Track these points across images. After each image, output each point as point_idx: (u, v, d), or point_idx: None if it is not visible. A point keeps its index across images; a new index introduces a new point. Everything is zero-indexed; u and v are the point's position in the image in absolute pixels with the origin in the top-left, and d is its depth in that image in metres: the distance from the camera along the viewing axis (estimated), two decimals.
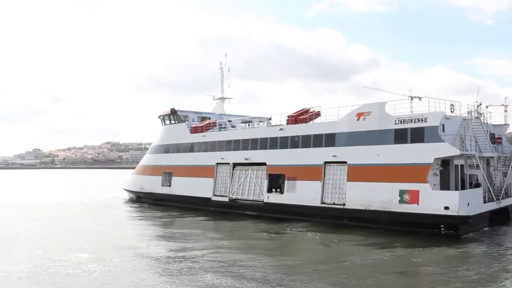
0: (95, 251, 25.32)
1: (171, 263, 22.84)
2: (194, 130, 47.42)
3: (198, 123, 49.08)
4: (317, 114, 38.65)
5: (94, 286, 18.75)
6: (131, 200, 55.85)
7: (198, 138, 46.38)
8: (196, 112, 51.17)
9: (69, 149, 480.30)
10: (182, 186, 46.86)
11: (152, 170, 51.65)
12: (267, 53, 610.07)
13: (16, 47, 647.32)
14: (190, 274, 20.42)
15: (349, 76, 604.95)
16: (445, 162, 31.01)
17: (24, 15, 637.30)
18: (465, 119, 32.70)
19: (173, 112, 49.43)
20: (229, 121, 49.73)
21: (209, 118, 50.97)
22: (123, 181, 63.13)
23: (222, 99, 53.65)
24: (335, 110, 36.30)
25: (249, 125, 53.00)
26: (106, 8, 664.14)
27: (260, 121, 54.91)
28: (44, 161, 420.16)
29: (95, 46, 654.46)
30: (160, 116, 52.45)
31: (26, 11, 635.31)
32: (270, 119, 55.42)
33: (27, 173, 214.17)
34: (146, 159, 54.40)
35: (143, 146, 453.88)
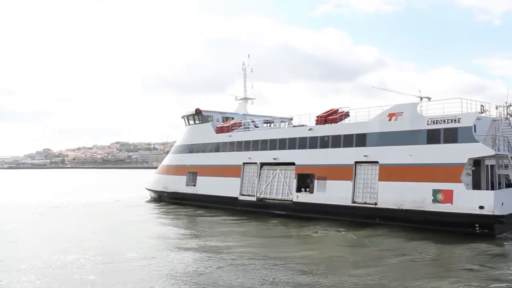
0: (142, 250, 25.87)
1: (220, 260, 23.31)
2: (220, 130, 47.83)
3: (223, 123, 49.43)
4: (346, 115, 38.97)
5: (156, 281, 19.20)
6: (154, 200, 56.35)
7: (224, 138, 46.79)
8: (220, 112, 51.64)
9: (78, 149, 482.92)
10: (208, 186, 47.27)
11: (176, 169, 52.11)
12: (274, 54, 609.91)
13: (24, 48, 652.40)
14: (241, 270, 20.83)
15: (355, 76, 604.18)
16: (476, 162, 31.28)
17: (31, 15, 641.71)
18: (495, 120, 32.93)
19: (198, 112, 49.89)
20: (252, 121, 50.17)
21: (232, 118, 51.44)
22: (135, 180, 63.70)
23: (245, 99, 54.11)
24: (364, 111, 36.77)
25: (270, 125, 53.44)
26: (114, 8, 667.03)
27: (281, 121, 55.40)
28: (54, 161, 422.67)
29: (102, 47, 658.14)
30: (184, 116, 52.95)
31: (34, 11, 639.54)
32: (291, 119, 55.97)
33: (39, 173, 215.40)
34: (170, 159, 54.86)
35: (152, 146, 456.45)
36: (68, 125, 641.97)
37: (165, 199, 53.03)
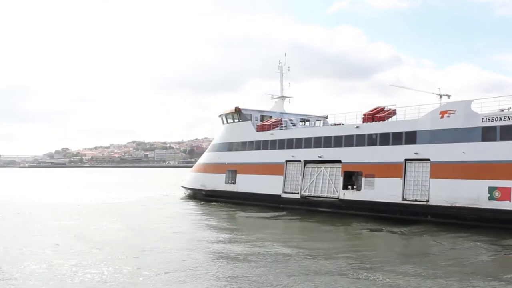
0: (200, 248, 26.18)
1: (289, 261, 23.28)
2: (261, 128, 48.05)
3: (264, 121, 49.62)
4: (393, 113, 39.00)
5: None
6: (190, 197, 56.71)
7: (265, 136, 46.99)
8: (259, 111, 51.88)
9: (95, 148, 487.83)
10: (248, 184, 47.50)
11: (214, 168, 52.44)
12: (288, 52, 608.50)
13: (41, 49, 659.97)
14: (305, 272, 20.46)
15: (371, 74, 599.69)
16: None
17: (48, 17, 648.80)
18: None
19: (237, 110, 50.16)
20: (290, 120, 50.34)
21: (270, 117, 51.64)
22: (161, 179, 64.04)
23: (282, 98, 54.22)
24: (411, 109, 36.87)
25: (304, 123, 53.51)
26: (129, 9, 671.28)
27: (317, 120, 55.56)
28: (73, 160, 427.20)
29: (116, 47, 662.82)
30: (222, 115, 53.27)
31: (50, 13, 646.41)
32: (326, 117, 56.07)
33: (61, 172, 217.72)
34: (207, 157, 55.22)
35: (168, 145, 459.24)
36: (85, 125, 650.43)
37: (203, 197, 53.32)
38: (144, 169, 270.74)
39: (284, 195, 43.79)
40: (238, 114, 50.41)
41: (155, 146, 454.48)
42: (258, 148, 47.59)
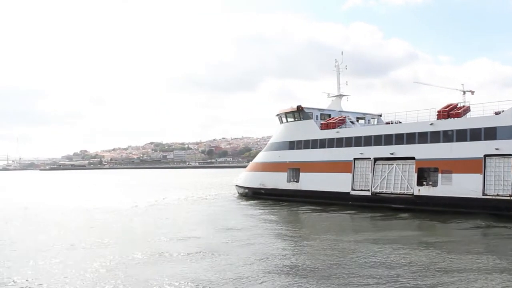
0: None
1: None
2: (325, 126, 48.65)
3: (328, 119, 50.23)
4: (468, 109, 39.49)
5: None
6: (245, 196, 57.43)
7: (330, 134, 47.59)
8: (319, 109, 52.49)
9: (114, 149, 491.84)
10: (313, 182, 48.11)
11: (274, 166, 53.12)
12: (303, 50, 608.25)
13: (56, 52, 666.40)
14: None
15: (387, 71, 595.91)
16: None
17: (60, 19, 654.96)
18: None
19: (300, 109, 50.79)
20: (348, 118, 50.90)
21: (329, 115, 52.29)
22: (195, 179, 64.39)
23: (340, 96, 54.81)
24: (488, 105, 37.36)
25: (358, 121, 53.98)
26: (143, 10, 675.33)
27: (372, 118, 56.16)
28: (93, 161, 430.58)
29: (132, 48, 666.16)
30: (280, 114, 53.96)
31: (62, 15, 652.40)
32: (380, 115, 56.67)
33: (84, 174, 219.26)
34: (265, 156, 55.86)
35: (186, 145, 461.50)
36: (101, 127, 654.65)
37: (262, 195, 53.96)
38: (167, 170, 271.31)
39: (353, 192, 44.36)
40: (300, 112, 51.02)
41: (173, 147, 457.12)
42: (322, 146, 48.17)
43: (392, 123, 48.23)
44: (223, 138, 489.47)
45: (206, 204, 50.77)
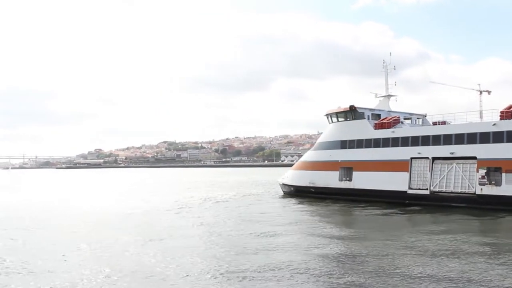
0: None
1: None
2: (380, 126, 49.30)
3: (382, 119, 50.87)
4: None
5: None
6: (292, 194, 58.21)
7: (385, 133, 48.22)
8: (370, 109, 53.14)
9: (128, 148, 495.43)
10: (367, 180, 48.73)
11: (325, 165, 53.78)
12: (312, 50, 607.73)
13: (66, 53, 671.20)
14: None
15: (397, 70, 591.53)
16: None
17: (70, 20, 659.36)
18: None
19: (353, 109, 51.47)
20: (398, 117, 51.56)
21: (379, 115, 52.97)
22: (224, 178, 64.79)
23: (388, 96, 55.44)
24: None
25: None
26: (152, 11, 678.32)
27: (417, 118, 56.81)
28: (108, 160, 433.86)
29: (142, 48, 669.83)
30: (330, 113, 54.71)
31: (71, 16, 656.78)
32: (425, 116, 57.29)
33: (101, 173, 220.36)
34: (314, 155, 56.51)
35: (199, 145, 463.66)
36: (113, 126, 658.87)
37: (312, 194, 54.63)
38: (183, 169, 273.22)
39: (410, 191, 44.97)
40: (353, 112, 51.69)
41: (186, 146, 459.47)
42: (377, 146, 48.80)
43: (438, 124, 49.02)
44: (236, 137, 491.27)
45: (265, 203, 51.35)
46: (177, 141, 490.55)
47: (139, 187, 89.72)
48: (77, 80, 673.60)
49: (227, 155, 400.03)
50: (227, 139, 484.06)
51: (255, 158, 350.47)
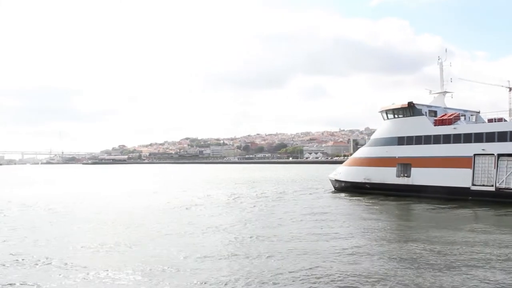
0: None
1: None
2: (440, 122, 49.45)
3: (442, 115, 50.98)
4: None
5: None
6: (344, 190, 58.63)
7: (445, 130, 48.30)
8: (427, 106, 53.24)
9: (151, 145, 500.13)
10: (427, 177, 48.85)
11: (381, 161, 54.03)
12: (331, 47, 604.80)
13: (89, 51, 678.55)
14: None
15: (418, 67, 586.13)
16: None
17: (94, 18, 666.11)
18: None
19: (411, 105, 51.63)
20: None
21: (435, 112, 53.05)
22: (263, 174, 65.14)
23: (444, 93, 55.42)
24: None
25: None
26: (174, 9, 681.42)
27: (471, 115, 56.70)
28: (132, 156, 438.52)
29: (162, 45, 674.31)
30: (385, 110, 54.89)
31: (95, 14, 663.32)
32: (478, 112, 57.15)
33: (128, 168, 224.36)
34: (369, 151, 56.74)
35: (221, 141, 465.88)
36: (136, 123, 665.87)
37: (367, 189, 54.95)
38: (208, 165, 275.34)
39: (474, 188, 45.03)
40: (411, 109, 51.84)
41: (208, 142, 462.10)
42: (437, 142, 48.91)
43: (494, 121, 48.85)
44: (257, 134, 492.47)
45: (327, 198, 52.08)
46: (199, 138, 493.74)
47: (184, 182, 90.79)
48: (101, 78, 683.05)
49: (249, 152, 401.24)
50: (248, 135, 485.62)
51: (278, 155, 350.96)
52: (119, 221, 34.46)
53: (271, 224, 32.49)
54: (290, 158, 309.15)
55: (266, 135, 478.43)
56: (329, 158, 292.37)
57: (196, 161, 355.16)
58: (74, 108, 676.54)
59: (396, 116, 53.93)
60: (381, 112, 56.05)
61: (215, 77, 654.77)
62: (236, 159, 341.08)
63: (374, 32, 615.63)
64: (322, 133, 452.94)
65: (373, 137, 58.72)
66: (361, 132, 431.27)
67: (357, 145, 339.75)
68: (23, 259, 21.68)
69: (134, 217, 36.89)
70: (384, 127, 55.70)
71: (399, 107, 53.20)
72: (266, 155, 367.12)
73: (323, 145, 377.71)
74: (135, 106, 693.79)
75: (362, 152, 58.99)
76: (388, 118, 55.21)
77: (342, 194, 55.59)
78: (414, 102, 51.81)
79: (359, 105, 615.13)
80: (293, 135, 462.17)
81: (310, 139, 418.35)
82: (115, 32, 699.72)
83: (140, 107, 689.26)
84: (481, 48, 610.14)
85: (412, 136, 51.45)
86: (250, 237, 27.19)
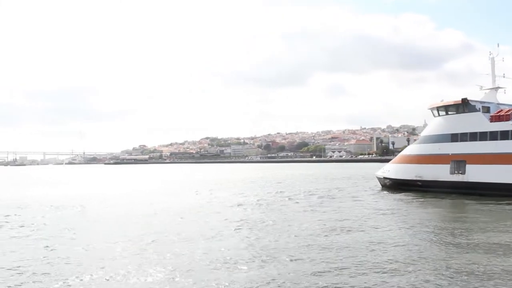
0: None
1: None
2: (497, 118, 48.72)
3: (498, 111, 50.26)
4: None
5: None
6: (391, 188, 58.27)
7: (503, 126, 47.54)
8: (481, 102, 52.55)
9: (171, 144, 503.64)
10: (483, 174, 48.18)
11: (433, 158, 53.47)
12: (351, 44, 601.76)
13: (106, 50, 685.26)
14: None
15: (440, 63, 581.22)
16: None
17: (110, 17, 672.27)
18: None
19: (465, 102, 51.01)
20: None
21: (489, 108, 52.33)
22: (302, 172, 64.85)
23: (496, 88, 54.63)
24: None
25: None
26: (191, 5, 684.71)
27: None
28: (153, 156, 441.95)
29: (181, 44, 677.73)
30: (436, 107, 54.31)
31: (110, 14, 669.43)
32: None
33: (151, 168, 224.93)
34: (420, 149, 56.21)
35: (242, 140, 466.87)
36: (156, 122, 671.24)
37: (418, 187, 54.47)
38: (230, 165, 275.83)
39: None
40: (465, 105, 51.24)
41: (229, 141, 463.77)
42: (494, 139, 48.15)
43: None
44: (277, 133, 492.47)
45: (379, 198, 51.69)
46: (219, 137, 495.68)
47: (220, 180, 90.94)
48: (117, 78, 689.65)
49: (271, 151, 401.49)
50: (268, 134, 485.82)
51: (301, 154, 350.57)
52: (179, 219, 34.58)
53: (355, 227, 30.30)
54: (314, 157, 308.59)
55: (286, 134, 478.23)
56: (353, 156, 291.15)
57: (218, 160, 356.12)
58: (91, 108, 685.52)
59: (448, 112, 53.35)
60: (431, 109, 55.51)
61: (234, 75, 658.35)
62: (258, 158, 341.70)
63: (393, 28, 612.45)
64: (343, 132, 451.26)
65: (423, 134, 58.27)
66: (383, 130, 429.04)
67: (381, 143, 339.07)
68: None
69: (185, 215, 36.71)
70: (436, 124, 55.11)
71: (452, 103, 52.63)
72: (289, 154, 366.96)
73: (346, 143, 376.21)
74: (153, 106, 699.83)
75: (412, 149, 58.58)
76: (439, 115, 54.62)
77: (394, 192, 55.20)
78: (468, 98, 51.21)
79: (379, 103, 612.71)
80: (313, 134, 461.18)
81: (332, 138, 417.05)
82: (131, 31, 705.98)
83: (158, 106, 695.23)
84: (506, 42, 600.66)
85: (467, 133, 50.77)
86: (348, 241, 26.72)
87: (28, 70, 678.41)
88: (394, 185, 58.79)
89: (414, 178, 55.57)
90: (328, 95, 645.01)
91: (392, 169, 60.08)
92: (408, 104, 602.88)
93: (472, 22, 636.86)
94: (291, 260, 20.15)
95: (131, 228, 30.09)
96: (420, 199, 47.60)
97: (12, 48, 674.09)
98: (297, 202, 45.93)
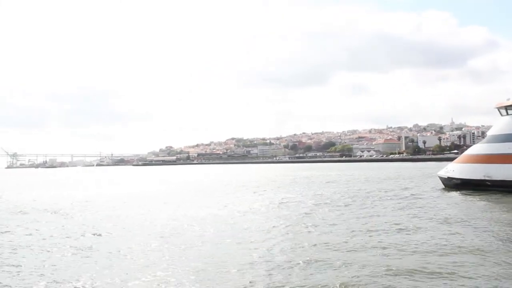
0: None
1: None
2: None
3: None
4: None
5: None
6: (456, 187, 58.05)
7: None
8: None
9: (197, 145, 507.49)
10: None
11: (503, 158, 53.45)
12: (372, 42, 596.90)
13: (127, 52, 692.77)
14: None
15: (464, 61, 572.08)
16: None
17: (132, 19, 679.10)
18: None
19: None
20: None
21: None
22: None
23: None
24: None
25: None
26: (211, 7, 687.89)
27: None
28: (180, 157, 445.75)
29: (203, 45, 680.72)
30: (504, 106, 54.23)
31: (133, 16, 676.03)
32: None
33: (182, 169, 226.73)
34: (487, 148, 56.15)
35: (268, 141, 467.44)
36: (180, 124, 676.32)
37: (485, 187, 54.28)
38: (258, 165, 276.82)
39: None
40: None
41: (255, 142, 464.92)
42: None
43: None
44: (303, 133, 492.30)
45: (446, 198, 51.71)
46: (244, 138, 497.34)
47: (261, 181, 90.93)
48: (138, 80, 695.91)
49: (298, 151, 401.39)
50: (294, 134, 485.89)
51: (329, 154, 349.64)
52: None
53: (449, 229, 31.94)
54: (344, 157, 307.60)
55: (312, 134, 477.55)
56: (383, 156, 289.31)
57: (246, 161, 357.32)
58: (115, 110, 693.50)
59: None
60: (499, 108, 55.35)
61: (256, 75, 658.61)
62: (287, 158, 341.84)
63: (415, 26, 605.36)
64: (370, 131, 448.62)
65: (490, 133, 58.08)
66: (410, 129, 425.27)
67: (412, 142, 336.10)
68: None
69: (234, 215, 37.01)
70: (504, 123, 54.90)
71: None
72: (317, 154, 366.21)
73: (373, 143, 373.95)
74: (178, 106, 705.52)
75: (479, 149, 58.39)
76: (508, 114, 54.42)
77: (455, 192, 55.02)
78: None
79: (403, 101, 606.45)
80: (339, 133, 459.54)
81: (359, 137, 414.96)
82: (153, 30, 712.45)
83: (184, 107, 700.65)
84: None
85: None
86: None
87: (44, 73, 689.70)
88: (460, 185, 58.59)
89: (483, 178, 55.36)
90: (351, 94, 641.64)
91: (457, 169, 59.90)
92: (432, 102, 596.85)
93: (496, 18, 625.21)
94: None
95: (221, 228, 30.72)
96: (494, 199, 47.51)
97: (29, 51, 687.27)
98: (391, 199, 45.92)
